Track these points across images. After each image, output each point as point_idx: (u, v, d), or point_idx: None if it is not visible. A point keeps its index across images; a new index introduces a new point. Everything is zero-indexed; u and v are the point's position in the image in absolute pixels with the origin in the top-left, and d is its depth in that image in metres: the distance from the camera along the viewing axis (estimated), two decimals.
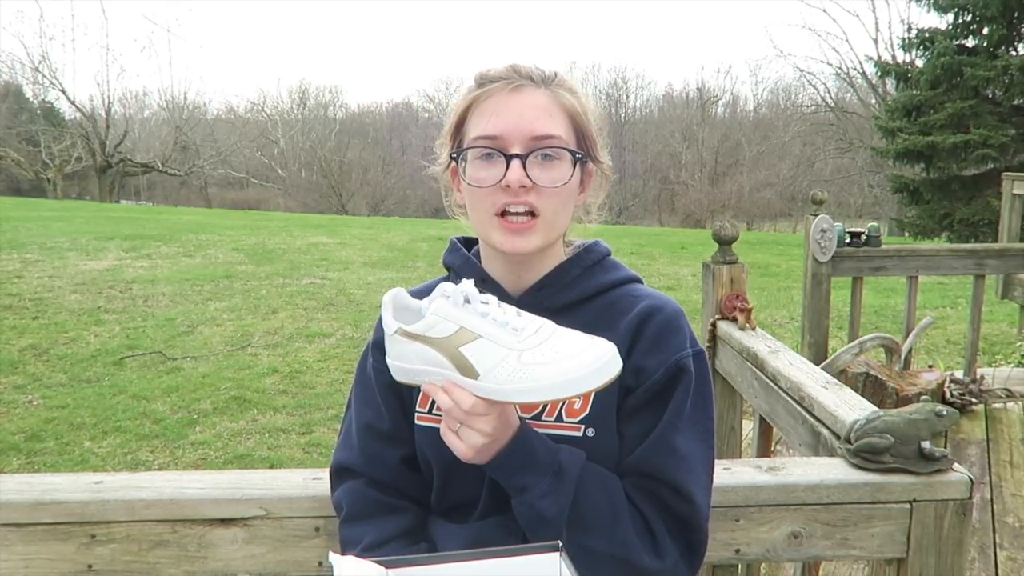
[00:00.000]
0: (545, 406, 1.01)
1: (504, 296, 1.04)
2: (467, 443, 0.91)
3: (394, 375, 0.98)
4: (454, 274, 1.14)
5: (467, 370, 0.90)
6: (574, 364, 0.88)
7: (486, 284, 1.08)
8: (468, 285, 0.94)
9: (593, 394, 1.01)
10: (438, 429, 1.05)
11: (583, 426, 1.01)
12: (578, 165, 1.02)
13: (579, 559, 0.94)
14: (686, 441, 1.00)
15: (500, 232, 1.02)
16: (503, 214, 1.01)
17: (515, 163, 0.98)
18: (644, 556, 0.97)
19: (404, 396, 1.10)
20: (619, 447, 1.02)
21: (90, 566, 1.19)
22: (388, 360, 0.98)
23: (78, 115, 27.74)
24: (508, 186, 0.98)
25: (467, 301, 0.93)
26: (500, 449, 0.94)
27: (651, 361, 1.01)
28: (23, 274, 8.32)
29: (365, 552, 1.02)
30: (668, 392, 1.01)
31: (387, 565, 0.89)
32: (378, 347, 1.13)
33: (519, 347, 0.90)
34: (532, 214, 1.01)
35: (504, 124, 0.99)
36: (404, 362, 0.95)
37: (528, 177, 0.98)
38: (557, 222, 1.03)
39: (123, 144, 27.78)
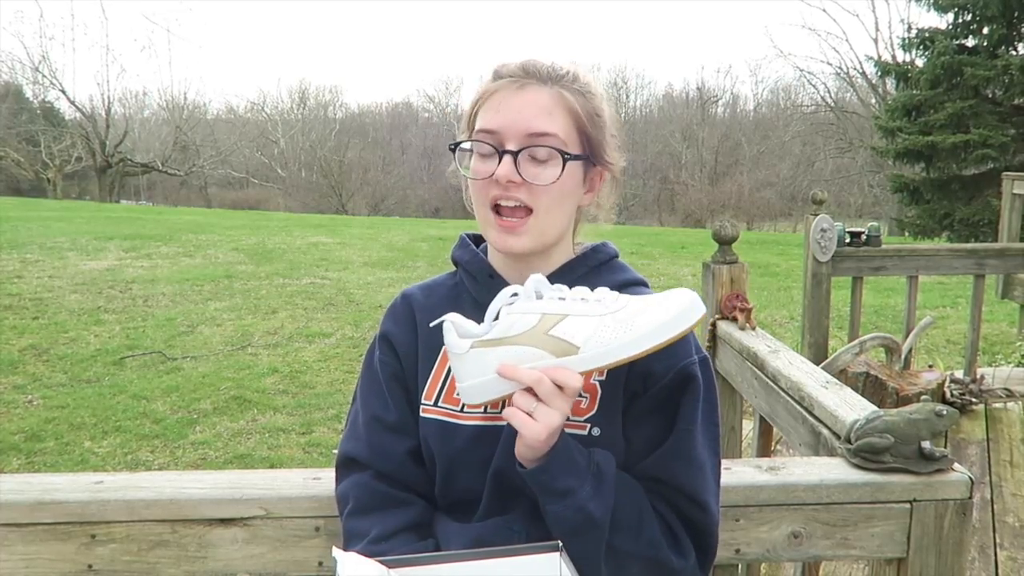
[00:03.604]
0: None
1: None
2: (544, 422, 0.90)
3: (472, 399, 0.95)
4: (462, 269, 1.15)
5: (564, 350, 0.90)
6: (669, 305, 0.92)
7: (493, 280, 1.09)
8: (538, 277, 0.95)
9: (600, 393, 1.02)
10: (443, 421, 1.06)
11: (589, 425, 1.01)
12: (568, 165, 1.01)
13: (610, 560, 0.95)
14: (699, 450, 1.01)
15: (495, 230, 1.03)
16: (497, 209, 1.03)
17: (506, 159, 1.00)
18: (671, 555, 0.98)
19: (410, 389, 1.11)
20: (624, 449, 1.02)
21: (90, 566, 1.19)
22: (463, 385, 0.95)
23: (78, 115, 27.77)
24: (497, 181, 1.00)
25: (539, 295, 0.94)
26: (546, 453, 0.93)
27: (658, 366, 1.01)
28: (23, 274, 8.32)
29: (371, 544, 1.02)
30: (676, 398, 1.01)
31: (388, 565, 0.89)
32: (385, 340, 1.14)
33: (610, 310, 0.92)
34: (527, 209, 1.02)
35: (503, 120, 1.01)
36: (484, 376, 0.93)
37: (519, 173, 1.00)
38: (550, 221, 1.03)
39: (123, 144, 27.77)
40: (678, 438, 1.00)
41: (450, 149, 1.08)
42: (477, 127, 1.04)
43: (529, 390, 0.91)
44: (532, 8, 72.74)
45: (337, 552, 0.91)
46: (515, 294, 0.95)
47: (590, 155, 1.05)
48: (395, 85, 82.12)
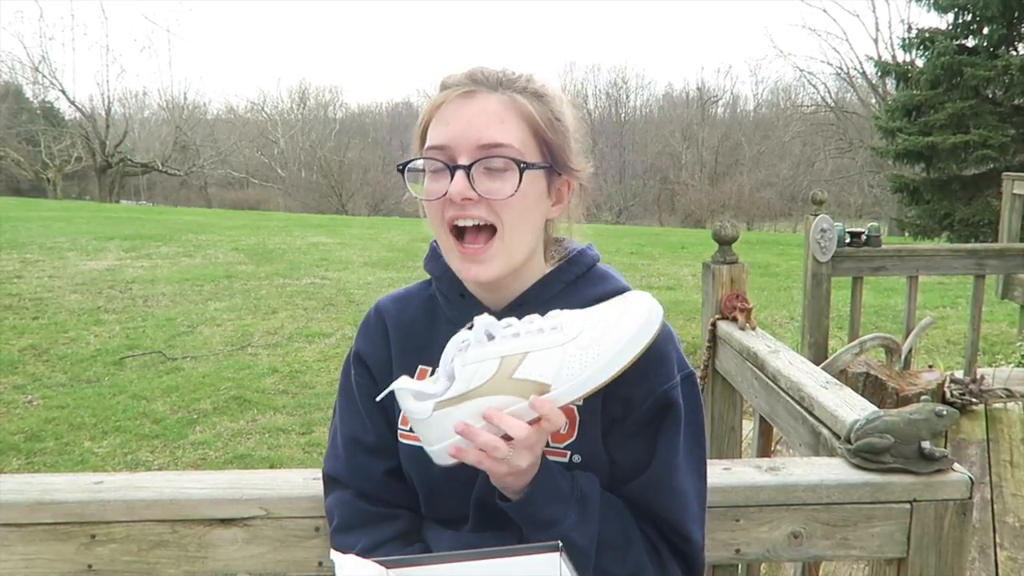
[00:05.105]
0: None
1: (484, 312, 0.97)
2: (514, 464, 0.87)
3: (445, 461, 0.89)
4: (434, 284, 1.10)
5: (534, 391, 0.85)
6: (629, 321, 0.87)
7: (465, 299, 1.04)
8: (484, 319, 0.89)
9: (578, 418, 0.98)
10: (420, 448, 0.98)
11: (569, 452, 0.98)
12: (528, 175, 0.94)
13: None
14: (680, 479, 0.99)
15: (459, 259, 0.97)
16: (457, 233, 0.96)
17: (459, 174, 0.92)
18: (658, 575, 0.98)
19: (388, 409, 1.07)
20: (607, 470, 1.00)
21: (90, 566, 1.19)
22: (432, 449, 0.89)
23: (78, 115, 27.77)
24: (451, 199, 0.93)
25: (491, 336, 0.88)
26: (528, 483, 0.91)
27: (637, 392, 0.97)
28: (23, 274, 8.32)
29: (360, 555, 1.01)
30: (656, 425, 0.98)
31: (387, 565, 0.89)
32: (359, 360, 1.10)
33: (570, 337, 0.86)
34: (491, 229, 0.95)
35: (452, 133, 0.93)
36: (453, 437, 0.87)
37: (473, 189, 0.92)
38: (516, 240, 0.96)
39: (123, 144, 27.77)
40: (658, 469, 0.97)
41: (398, 170, 0.99)
42: (427, 144, 0.96)
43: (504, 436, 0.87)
44: (532, 8, 72.79)
45: (335, 554, 0.91)
46: (465, 340, 0.88)
47: (552, 163, 0.98)
48: (395, 85, 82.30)
